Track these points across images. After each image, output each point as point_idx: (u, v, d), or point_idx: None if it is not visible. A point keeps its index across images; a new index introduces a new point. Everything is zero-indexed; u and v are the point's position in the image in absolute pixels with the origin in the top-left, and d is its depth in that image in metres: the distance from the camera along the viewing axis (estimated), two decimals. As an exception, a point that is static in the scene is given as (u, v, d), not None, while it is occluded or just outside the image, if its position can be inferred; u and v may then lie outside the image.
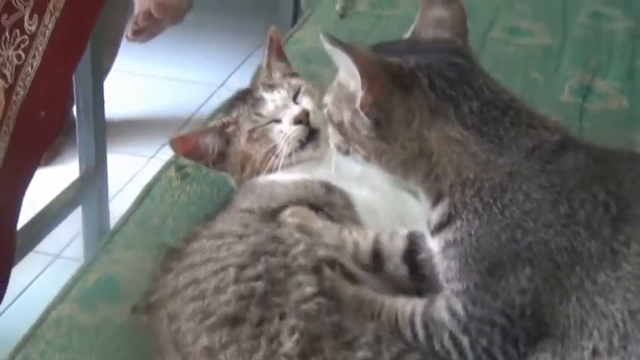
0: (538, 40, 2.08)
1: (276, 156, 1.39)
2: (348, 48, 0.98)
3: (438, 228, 1.04)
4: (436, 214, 1.04)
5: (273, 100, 1.44)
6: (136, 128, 3.05)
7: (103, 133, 2.30)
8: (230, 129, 1.44)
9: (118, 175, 2.59)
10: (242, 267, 1.16)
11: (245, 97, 1.47)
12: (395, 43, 1.09)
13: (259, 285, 1.14)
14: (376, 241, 1.18)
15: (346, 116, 1.02)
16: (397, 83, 0.99)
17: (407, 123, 0.99)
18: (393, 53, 1.03)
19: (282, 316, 1.11)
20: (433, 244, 1.05)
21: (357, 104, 0.99)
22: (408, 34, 1.12)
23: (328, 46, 1.00)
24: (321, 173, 1.39)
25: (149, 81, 3.29)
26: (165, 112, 3.15)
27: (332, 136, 1.10)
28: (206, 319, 1.13)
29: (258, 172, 1.41)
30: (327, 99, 1.08)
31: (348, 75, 1.00)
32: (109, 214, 2.35)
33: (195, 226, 1.33)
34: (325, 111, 1.09)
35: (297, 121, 1.40)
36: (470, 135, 1.00)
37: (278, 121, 1.42)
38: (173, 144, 1.43)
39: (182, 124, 3.00)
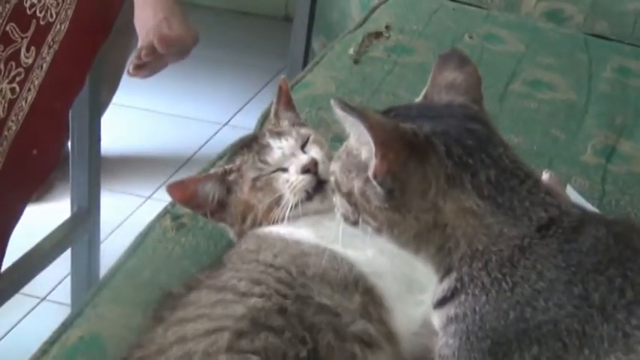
0: (561, 94, 2.07)
1: (281, 207, 1.37)
2: (361, 114, 0.98)
3: (441, 302, 1.03)
4: (441, 289, 1.04)
5: (280, 147, 1.43)
6: (133, 166, 3.05)
7: (98, 172, 2.30)
8: (232, 177, 1.43)
9: (111, 214, 2.58)
10: (239, 334, 1.14)
11: (250, 144, 1.46)
12: (407, 107, 1.09)
13: (255, 359, 1.12)
14: None
15: (357, 185, 1.02)
16: (412, 151, 0.99)
17: (422, 192, 0.99)
18: (406, 118, 1.02)
19: None
20: (435, 320, 1.06)
21: (370, 173, 0.99)
22: (419, 98, 1.12)
23: (340, 112, 1.00)
24: (326, 228, 1.35)
25: (149, 116, 3.31)
26: (165, 150, 3.15)
27: (339, 206, 1.09)
28: None
29: (260, 224, 1.39)
30: (335, 167, 1.08)
31: (360, 142, 1.00)
32: (99, 257, 2.34)
33: (200, 274, 1.32)
34: (332, 180, 1.08)
35: (305, 170, 1.39)
36: (486, 206, 1.00)
37: (284, 170, 1.41)
38: (170, 190, 1.41)
39: (183, 162, 3.01)
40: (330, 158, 1.42)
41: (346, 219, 1.08)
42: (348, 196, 1.05)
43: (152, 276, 1.47)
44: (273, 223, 1.38)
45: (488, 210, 1.00)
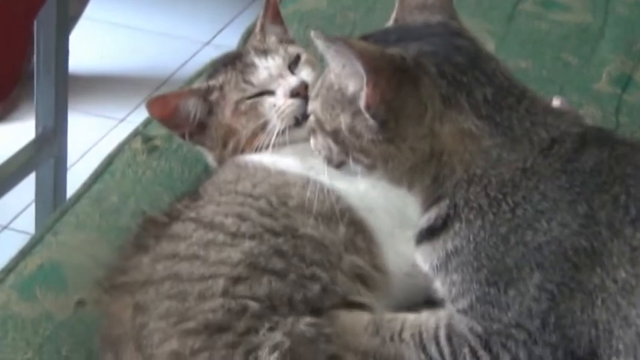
0: (575, 16, 2.02)
1: (267, 133, 1.35)
2: (347, 43, 0.98)
3: (427, 233, 1.04)
4: (426, 218, 1.05)
5: (266, 67, 1.40)
6: (105, 85, 3.00)
7: (65, 91, 2.25)
8: (214, 96, 1.40)
9: (80, 138, 2.54)
10: (235, 280, 1.14)
11: (234, 62, 1.43)
12: (384, 33, 1.08)
13: (254, 305, 1.13)
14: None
15: (344, 122, 1.03)
16: (403, 75, 0.99)
17: (418, 118, 1.00)
18: (386, 44, 1.02)
19: (271, 329, 1.10)
20: (419, 257, 1.08)
21: (362, 105, 0.99)
22: (389, 23, 1.12)
23: (322, 44, 1.00)
24: (315, 157, 1.29)
25: (124, 32, 3.24)
26: (141, 69, 3.10)
27: (321, 147, 1.09)
28: (182, 322, 1.11)
29: (242, 151, 1.37)
30: (314, 105, 1.07)
31: (345, 75, 1.01)
32: (66, 183, 2.32)
33: (177, 203, 1.30)
34: (313, 119, 1.08)
35: (294, 93, 1.36)
36: (484, 126, 1.01)
37: (271, 92, 1.38)
38: (150, 105, 1.38)
39: (160, 84, 2.97)
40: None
41: (329, 161, 1.08)
42: (334, 134, 1.05)
43: (120, 202, 1.45)
44: (256, 150, 1.36)
45: (487, 131, 1.01)
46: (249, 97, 1.38)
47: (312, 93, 1.08)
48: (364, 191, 1.33)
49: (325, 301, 1.18)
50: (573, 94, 1.73)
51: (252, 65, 1.40)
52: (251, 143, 1.37)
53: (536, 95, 1.06)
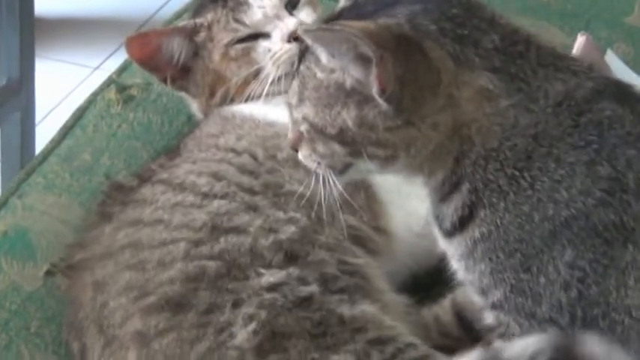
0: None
1: (260, 81, 1.34)
2: (343, 28, 0.97)
3: (461, 225, 1.03)
4: (452, 209, 1.04)
5: (261, 6, 1.38)
6: (77, 30, 2.99)
7: (31, 36, 2.25)
8: (201, 36, 1.39)
9: (49, 89, 2.54)
10: (196, 243, 1.15)
11: None
12: (356, 6, 1.06)
13: (211, 265, 1.12)
14: (454, 304, 1.23)
15: (350, 117, 1.02)
16: (407, 45, 0.98)
17: (433, 88, 0.99)
18: (368, 17, 1.01)
19: (235, 305, 1.10)
20: (450, 248, 1.07)
21: (374, 90, 0.98)
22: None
23: (311, 40, 1.00)
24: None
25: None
26: (118, 11, 3.08)
27: (322, 156, 1.07)
28: (142, 297, 1.11)
29: (231, 100, 1.37)
30: (304, 112, 1.05)
31: (341, 65, 1.00)
32: (34, 139, 2.32)
33: (153, 162, 1.31)
34: (305, 128, 1.06)
35: (292, 38, 1.35)
36: (500, 82, 1.00)
37: (265, 35, 1.37)
38: (129, 44, 1.37)
39: (138, 26, 2.94)
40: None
41: (332, 168, 1.07)
42: (340, 135, 1.03)
43: (93, 159, 1.45)
44: (247, 99, 1.36)
45: (503, 88, 1.00)
46: (241, 40, 1.37)
47: (292, 100, 1.06)
48: None
49: (304, 247, 1.18)
50: (602, 30, 1.71)
51: (245, 3, 1.39)
52: (241, 92, 1.36)
53: (542, 40, 1.04)
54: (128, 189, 1.26)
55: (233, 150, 1.27)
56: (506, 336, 1.07)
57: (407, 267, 1.31)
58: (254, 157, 1.25)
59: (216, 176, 1.22)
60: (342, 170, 1.07)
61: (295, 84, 1.06)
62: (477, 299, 1.08)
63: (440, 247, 1.10)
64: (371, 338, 1.11)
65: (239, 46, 1.37)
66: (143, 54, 1.37)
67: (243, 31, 1.37)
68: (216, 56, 1.38)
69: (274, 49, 1.35)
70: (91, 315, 1.14)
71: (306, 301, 1.12)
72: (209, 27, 1.39)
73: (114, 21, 3.02)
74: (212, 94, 1.39)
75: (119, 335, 1.11)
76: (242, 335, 1.08)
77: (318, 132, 1.05)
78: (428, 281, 1.30)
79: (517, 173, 1.00)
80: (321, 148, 1.06)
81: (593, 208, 0.98)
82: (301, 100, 1.05)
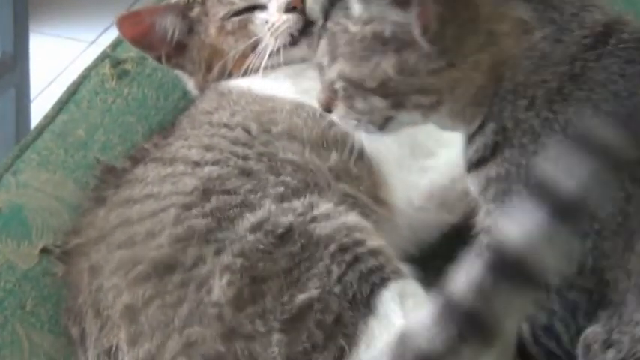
0: None
1: (258, 54, 1.33)
2: None
3: (479, 163, 1.03)
4: (475, 147, 1.04)
5: None
6: (73, 4, 2.97)
7: (25, 10, 2.22)
8: (195, 12, 1.38)
9: (44, 64, 2.52)
10: (187, 207, 1.14)
11: None
12: None
13: (200, 223, 1.12)
14: None
15: (391, 66, 1.00)
16: None
17: (473, 24, 0.99)
18: None
19: (217, 252, 1.09)
20: (471, 185, 1.07)
21: (417, 32, 0.97)
22: None
23: None
24: (310, 79, 1.31)
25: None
26: None
27: (361, 115, 1.05)
28: (131, 270, 1.11)
29: (230, 74, 1.36)
30: (340, 68, 1.03)
31: (378, 12, 0.99)
32: (29, 114, 2.30)
33: (147, 142, 1.30)
34: (343, 86, 1.04)
35: (290, 8, 1.34)
36: (533, 12, 1.00)
37: (262, 7, 1.36)
38: (121, 23, 1.36)
39: (133, 1, 2.91)
40: None
41: (374, 123, 1.06)
42: (382, 87, 1.02)
43: (87, 135, 1.43)
44: (245, 73, 1.34)
45: (536, 18, 1.00)
46: (237, 13, 1.36)
47: (323, 60, 1.04)
48: None
49: (299, 190, 1.18)
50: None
51: None
52: (239, 66, 1.35)
53: None
54: (121, 171, 1.25)
55: (226, 125, 1.26)
56: None
57: (407, 240, 1.31)
58: (247, 132, 1.25)
59: (208, 148, 1.22)
60: (382, 125, 1.06)
61: (324, 43, 1.05)
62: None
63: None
64: (334, 250, 1.12)
65: (235, 19, 1.35)
66: (136, 33, 1.36)
67: (239, 4, 1.36)
68: (212, 30, 1.37)
69: (272, 20, 1.34)
70: (88, 300, 1.14)
71: (287, 234, 1.12)
72: (203, 2, 1.38)
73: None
74: (209, 70, 1.38)
75: (111, 315, 1.10)
76: (218, 289, 1.07)
77: (356, 87, 1.04)
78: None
79: (551, 116, 0.99)
80: (360, 104, 1.05)
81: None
82: (334, 57, 1.04)
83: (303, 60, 1.35)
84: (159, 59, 1.39)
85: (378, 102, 1.03)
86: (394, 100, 1.03)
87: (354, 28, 1.02)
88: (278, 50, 1.33)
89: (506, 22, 1.00)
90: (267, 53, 1.33)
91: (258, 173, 1.19)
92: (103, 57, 1.54)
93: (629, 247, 0.98)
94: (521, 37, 1.00)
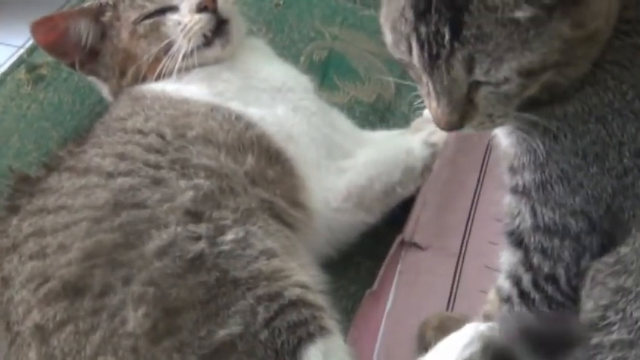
0: None
1: (172, 56, 1.31)
2: None
3: (549, 100, 0.99)
4: (544, 88, 0.99)
5: None
6: (1, 8, 2.92)
7: None
8: (107, 16, 1.34)
9: None
10: (98, 221, 1.11)
11: None
12: None
13: (109, 237, 1.09)
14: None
15: (566, 27, 0.92)
16: None
17: None
18: None
19: (126, 281, 1.07)
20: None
21: None
22: None
23: None
24: (225, 82, 1.32)
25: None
26: None
27: (508, 105, 0.97)
28: (42, 285, 1.07)
29: (144, 79, 1.33)
30: (514, 67, 0.93)
31: None
32: None
33: (61, 149, 1.26)
34: (508, 88, 0.95)
35: (201, 7, 1.32)
36: None
37: (174, 8, 1.33)
38: (35, 28, 1.31)
39: (65, 1, 2.87)
40: None
41: (511, 110, 0.99)
42: (562, 54, 0.94)
43: (2, 141, 1.41)
44: (159, 77, 1.32)
45: None
46: (149, 16, 1.33)
47: (481, 76, 0.94)
48: (283, 116, 1.31)
49: (206, 208, 1.15)
50: None
51: None
52: (153, 70, 1.32)
53: None
54: (35, 180, 1.22)
55: (140, 131, 1.23)
56: (513, 229, 1.07)
57: (326, 242, 1.30)
58: (162, 137, 1.22)
59: (122, 156, 1.19)
60: (515, 109, 0.99)
61: (469, 52, 0.93)
62: (505, 178, 1.06)
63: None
64: (259, 294, 1.09)
65: (147, 22, 1.33)
66: (50, 39, 1.32)
67: (150, 7, 1.33)
68: (125, 35, 1.33)
69: (184, 22, 1.32)
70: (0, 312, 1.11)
71: (197, 260, 1.09)
72: (115, 5, 1.34)
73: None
74: (123, 75, 1.35)
75: (21, 331, 1.07)
76: (133, 320, 1.04)
77: (533, 75, 0.94)
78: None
79: (628, 65, 0.97)
80: (532, 89, 0.96)
81: None
82: (497, 59, 0.93)
83: (217, 61, 1.34)
84: (72, 66, 1.35)
85: (548, 75, 0.95)
86: (561, 66, 0.95)
87: (520, 14, 0.91)
88: (192, 52, 1.31)
89: None
90: (181, 55, 1.30)
91: (169, 181, 1.16)
92: (19, 62, 1.52)
93: None
94: None
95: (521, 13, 0.91)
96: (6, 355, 1.08)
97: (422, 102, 1.01)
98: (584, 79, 0.99)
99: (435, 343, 1.19)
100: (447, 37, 0.92)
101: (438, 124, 1.00)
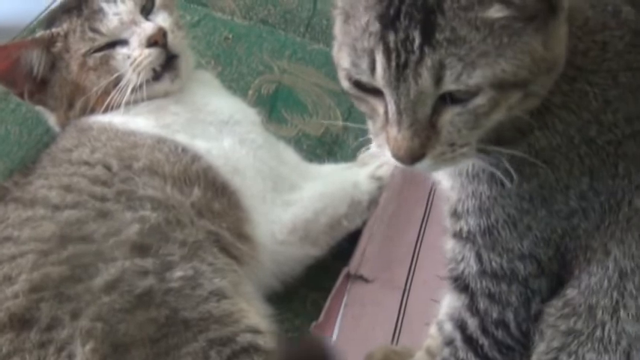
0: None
1: (120, 90, 1.30)
2: None
3: (496, 144, 0.97)
4: (492, 132, 0.96)
5: (116, 13, 1.34)
6: None
7: None
8: (57, 47, 1.33)
9: None
10: (45, 254, 1.11)
11: (79, 7, 1.36)
12: None
13: (56, 270, 1.09)
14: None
15: (537, 44, 0.89)
16: None
17: None
18: None
19: (74, 316, 1.06)
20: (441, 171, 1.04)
21: None
22: None
23: None
24: (172, 114, 1.32)
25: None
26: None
27: (474, 129, 0.92)
28: None
29: (92, 110, 1.32)
30: (486, 75, 0.88)
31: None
32: None
33: (6, 180, 1.26)
34: (484, 100, 0.89)
35: (152, 42, 1.32)
36: None
37: (123, 42, 1.33)
38: None
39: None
40: (180, 26, 1.40)
41: (475, 141, 0.93)
42: (531, 71, 0.90)
43: None
44: (107, 109, 1.31)
45: None
46: (99, 49, 1.32)
47: (451, 84, 0.88)
48: (230, 149, 1.31)
49: (153, 241, 1.15)
50: None
51: (100, 11, 1.34)
52: (102, 102, 1.32)
53: None
54: None
55: (86, 163, 1.23)
56: (457, 274, 1.06)
57: (273, 275, 1.30)
58: (108, 168, 1.22)
59: (68, 189, 1.19)
60: (477, 141, 0.94)
61: (440, 57, 0.87)
62: (446, 222, 1.06)
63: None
64: (212, 337, 1.09)
65: (97, 55, 1.32)
66: (2, 67, 1.31)
67: (100, 40, 1.33)
68: (74, 67, 1.33)
69: (134, 55, 1.32)
70: None
71: (146, 296, 1.09)
72: (65, 36, 1.34)
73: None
74: (71, 106, 1.34)
75: None
76: (80, 354, 1.04)
77: (507, 86, 0.89)
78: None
79: (588, 89, 0.96)
80: (501, 111, 0.91)
81: (627, 138, 0.97)
82: (470, 64, 0.88)
83: (166, 94, 1.34)
84: (21, 95, 1.34)
85: (515, 99, 0.91)
86: (527, 90, 0.91)
87: (496, 14, 0.87)
88: (141, 85, 1.31)
89: None
90: (130, 88, 1.30)
91: (116, 213, 1.16)
92: None
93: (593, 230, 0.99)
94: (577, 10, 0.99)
95: (495, 13, 0.86)
96: None
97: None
98: (533, 122, 0.97)
99: (379, 376, 1.21)
100: (417, 41, 0.86)
101: (396, 154, 0.92)
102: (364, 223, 1.38)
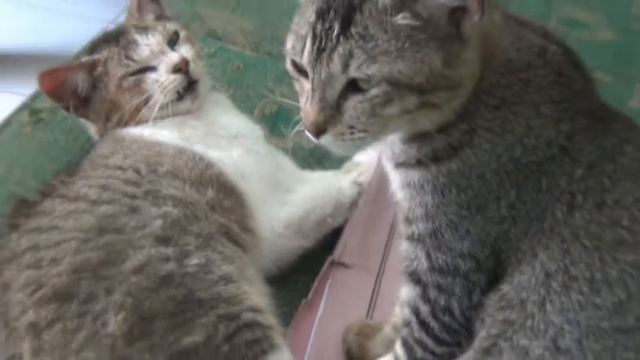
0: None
1: (149, 108, 1.38)
2: None
3: (434, 159, 1.03)
4: (428, 147, 1.03)
5: (147, 44, 1.42)
6: (16, 61, 2.99)
7: None
8: (98, 71, 1.42)
9: None
10: (85, 241, 1.18)
11: (117, 38, 1.45)
12: None
13: (94, 255, 1.16)
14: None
15: (438, 56, 0.93)
16: None
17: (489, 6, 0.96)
18: None
19: (109, 291, 1.13)
20: (395, 178, 1.08)
21: (474, 13, 0.92)
22: None
23: None
24: (192, 128, 1.40)
25: (30, 10, 3.22)
26: (49, 47, 3.06)
27: (396, 114, 0.95)
28: (37, 291, 1.14)
29: (126, 123, 1.41)
30: (388, 69, 0.92)
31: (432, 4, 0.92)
32: None
33: (54, 179, 1.33)
34: (383, 90, 0.94)
35: (176, 69, 1.40)
36: (503, 21, 1.02)
37: (153, 68, 1.41)
38: (42, 78, 1.37)
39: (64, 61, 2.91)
40: (200, 57, 1.47)
41: (373, 133, 0.98)
42: (430, 78, 0.93)
43: (6, 170, 1.47)
44: (139, 123, 1.40)
45: (505, 26, 1.03)
46: (132, 74, 1.40)
47: (352, 65, 0.93)
48: (238, 158, 1.39)
49: (174, 232, 1.20)
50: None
51: (134, 42, 1.42)
52: (134, 117, 1.39)
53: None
54: (32, 203, 1.28)
55: (120, 167, 1.30)
56: (412, 270, 1.09)
57: (270, 261, 1.37)
58: (137, 172, 1.29)
59: (105, 187, 1.25)
60: (377, 134, 0.99)
61: (350, 47, 0.93)
62: (401, 227, 1.09)
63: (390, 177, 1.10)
64: (220, 314, 1.15)
65: (131, 79, 1.40)
66: (52, 87, 1.38)
67: (134, 66, 1.40)
68: (112, 87, 1.40)
69: (161, 80, 1.39)
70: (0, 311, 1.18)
71: (167, 278, 1.15)
72: (105, 62, 1.41)
73: (47, 56, 2.98)
74: (108, 119, 1.42)
75: (17, 327, 1.13)
76: (113, 323, 1.11)
77: (403, 86, 0.93)
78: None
79: (511, 117, 0.99)
80: (396, 108, 0.95)
81: (548, 159, 1.00)
82: (372, 58, 0.93)
83: (187, 112, 1.41)
84: (67, 109, 1.41)
85: (415, 100, 0.94)
86: (432, 95, 0.95)
87: (403, 21, 0.92)
88: (167, 104, 1.38)
89: (493, 23, 0.98)
90: (157, 107, 1.38)
91: (143, 209, 1.22)
92: (22, 107, 1.59)
93: (522, 233, 1.03)
94: (497, 37, 1.00)
95: (402, 20, 0.92)
96: (3, 344, 1.14)
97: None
98: (463, 141, 1.02)
99: (355, 346, 1.30)
100: (335, 31, 0.93)
101: (305, 124, 0.98)
102: (346, 221, 1.45)
